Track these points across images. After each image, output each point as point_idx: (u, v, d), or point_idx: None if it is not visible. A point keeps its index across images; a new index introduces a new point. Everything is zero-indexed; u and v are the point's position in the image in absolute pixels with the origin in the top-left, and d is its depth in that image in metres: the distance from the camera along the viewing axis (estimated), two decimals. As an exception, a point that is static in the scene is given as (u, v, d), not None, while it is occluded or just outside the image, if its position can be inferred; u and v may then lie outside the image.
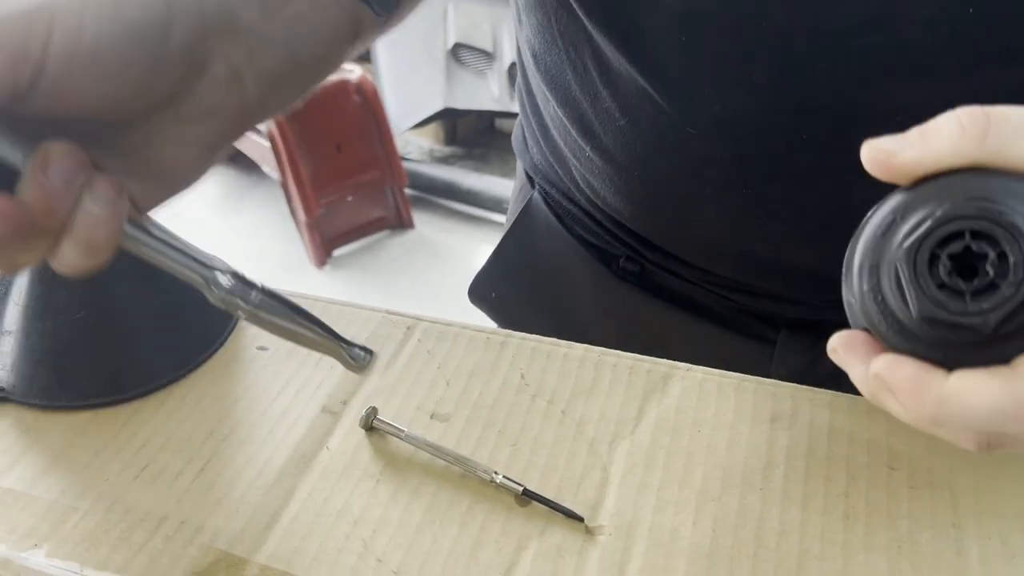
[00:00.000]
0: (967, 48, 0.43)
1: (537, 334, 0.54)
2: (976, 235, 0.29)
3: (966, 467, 0.46)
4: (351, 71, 2.25)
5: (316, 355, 0.53)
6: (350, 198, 2.28)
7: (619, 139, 0.55)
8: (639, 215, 0.60)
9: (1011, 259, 0.29)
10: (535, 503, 0.44)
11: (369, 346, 0.55)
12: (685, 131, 0.52)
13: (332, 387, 0.51)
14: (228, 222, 2.42)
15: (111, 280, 0.51)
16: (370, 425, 0.48)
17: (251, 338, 0.54)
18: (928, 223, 0.30)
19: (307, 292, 0.56)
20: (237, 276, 0.38)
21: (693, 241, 0.60)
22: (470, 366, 0.52)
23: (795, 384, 0.50)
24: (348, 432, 0.48)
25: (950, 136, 0.30)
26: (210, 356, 0.53)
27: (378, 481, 0.46)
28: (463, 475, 0.46)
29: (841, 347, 0.34)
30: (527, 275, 0.72)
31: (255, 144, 2.23)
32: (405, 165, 2.44)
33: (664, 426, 0.49)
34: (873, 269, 0.32)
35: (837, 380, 0.42)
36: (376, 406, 0.49)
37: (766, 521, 0.44)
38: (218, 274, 0.37)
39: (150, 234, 0.36)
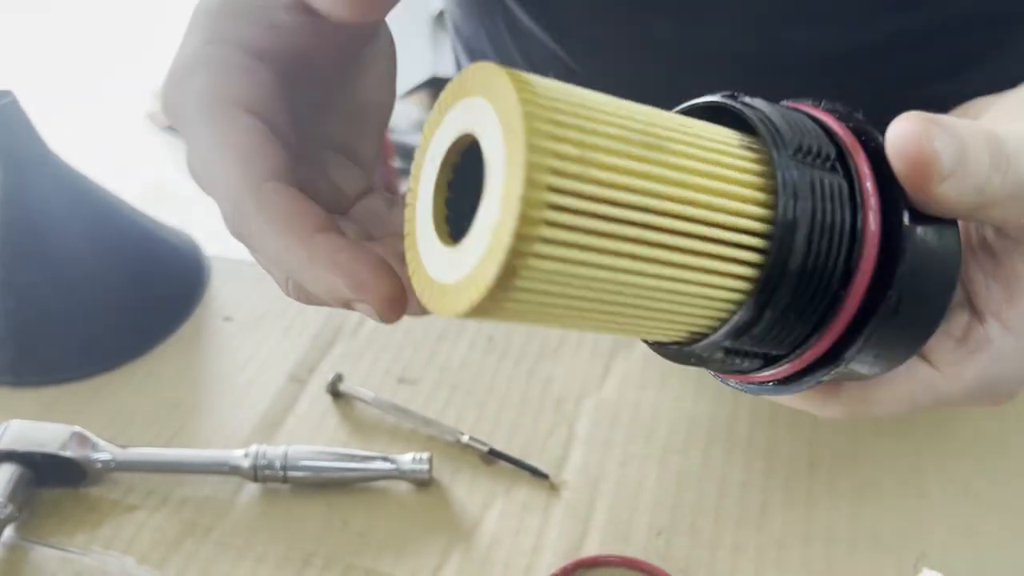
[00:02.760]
0: None
1: None
2: None
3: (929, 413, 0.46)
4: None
5: (283, 324, 0.53)
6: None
7: None
8: None
9: None
10: (501, 462, 0.45)
11: (334, 314, 0.54)
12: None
13: (299, 355, 0.51)
14: (217, 199, 2.41)
15: (75, 256, 0.51)
16: (336, 391, 0.48)
17: (217, 309, 0.54)
18: None
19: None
20: None
21: None
22: (437, 330, 0.52)
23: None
24: (315, 399, 0.48)
25: (981, 168, 0.23)
26: (176, 328, 0.53)
27: (345, 446, 0.46)
28: (430, 437, 0.46)
29: None
30: None
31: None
32: (392, 136, 2.41)
33: (630, 381, 0.49)
34: None
35: None
36: (343, 372, 0.49)
37: (730, 473, 0.44)
38: None
39: None
